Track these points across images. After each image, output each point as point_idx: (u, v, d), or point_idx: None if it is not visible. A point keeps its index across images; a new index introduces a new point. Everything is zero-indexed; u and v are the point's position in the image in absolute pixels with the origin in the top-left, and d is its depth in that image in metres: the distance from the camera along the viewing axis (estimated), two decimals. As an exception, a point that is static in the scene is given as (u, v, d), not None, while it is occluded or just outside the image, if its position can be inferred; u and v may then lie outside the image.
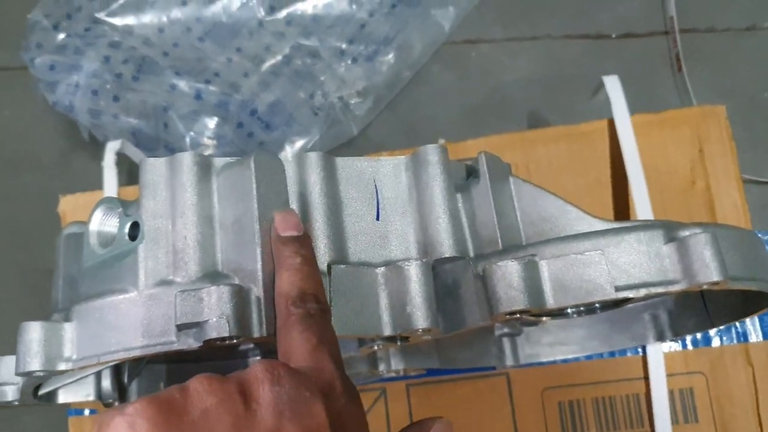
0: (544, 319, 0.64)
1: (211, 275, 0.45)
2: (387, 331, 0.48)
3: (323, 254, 0.48)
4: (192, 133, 0.81)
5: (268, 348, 0.69)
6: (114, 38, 0.87)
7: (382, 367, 0.62)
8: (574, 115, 0.88)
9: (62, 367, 0.45)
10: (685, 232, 0.47)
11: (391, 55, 0.94)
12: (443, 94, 0.99)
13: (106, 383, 0.60)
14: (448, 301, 0.50)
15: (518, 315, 0.46)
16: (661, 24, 1.00)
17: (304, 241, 0.44)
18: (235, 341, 0.42)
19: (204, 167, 0.48)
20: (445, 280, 0.50)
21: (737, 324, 0.71)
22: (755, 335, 0.70)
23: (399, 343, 0.51)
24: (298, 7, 0.96)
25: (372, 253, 0.50)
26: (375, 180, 0.52)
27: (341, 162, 0.52)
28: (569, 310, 0.65)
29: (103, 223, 0.50)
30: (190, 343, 0.43)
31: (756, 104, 0.97)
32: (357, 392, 0.39)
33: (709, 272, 0.44)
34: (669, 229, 0.47)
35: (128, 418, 0.32)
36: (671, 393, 0.70)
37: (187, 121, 0.81)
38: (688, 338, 0.71)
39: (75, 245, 0.53)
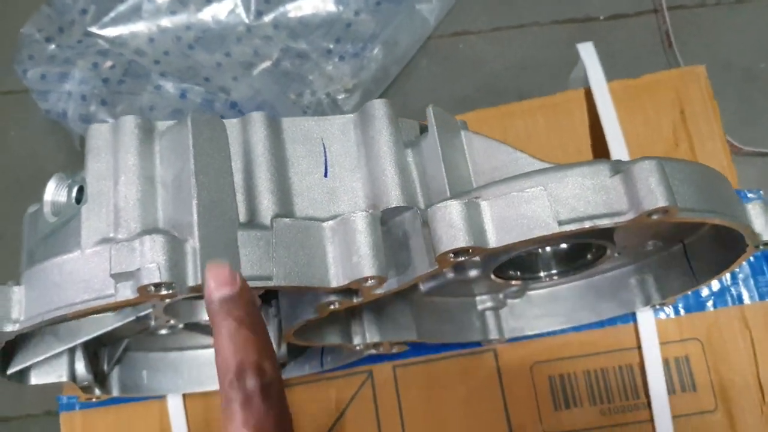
0: (520, 285, 0.62)
1: (151, 231, 0.45)
2: (334, 283, 0.47)
3: (267, 209, 0.48)
4: (176, 132, 0.82)
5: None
6: (104, 47, 0.90)
7: (357, 340, 0.61)
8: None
9: (9, 328, 0.45)
10: (632, 164, 0.45)
11: (377, 51, 0.95)
12: (433, 87, 0.99)
13: (80, 365, 0.60)
14: (400, 254, 0.49)
15: (463, 258, 0.45)
16: (650, 3, 0.98)
17: (238, 300, 0.40)
18: (170, 291, 0.42)
19: (146, 130, 0.49)
20: (396, 234, 0.50)
21: (731, 287, 0.68)
22: (750, 297, 0.68)
23: (355, 299, 0.50)
24: (284, 11, 0.97)
25: (320, 209, 0.50)
26: (323, 138, 0.52)
27: (287, 122, 0.52)
28: (541, 273, 0.64)
29: (55, 193, 0.51)
30: (128, 295, 0.43)
31: (753, 76, 0.94)
32: None
33: (654, 198, 0.43)
34: (616, 164, 0.46)
35: None
36: (666, 362, 0.67)
37: (170, 119, 0.82)
38: (681, 304, 0.68)
39: (36, 221, 0.54)
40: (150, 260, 0.42)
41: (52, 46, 0.90)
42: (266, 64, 0.95)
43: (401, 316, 0.63)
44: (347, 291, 0.49)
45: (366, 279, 0.47)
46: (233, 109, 0.85)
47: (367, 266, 0.46)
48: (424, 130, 0.55)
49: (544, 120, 0.74)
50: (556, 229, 0.44)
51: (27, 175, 1.06)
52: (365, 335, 0.61)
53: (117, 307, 0.45)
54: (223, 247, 0.44)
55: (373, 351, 0.64)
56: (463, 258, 0.45)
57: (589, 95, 0.73)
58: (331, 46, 0.96)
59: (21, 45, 0.90)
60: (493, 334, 0.68)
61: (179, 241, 0.43)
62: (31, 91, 0.90)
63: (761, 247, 0.53)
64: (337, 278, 0.47)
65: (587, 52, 0.73)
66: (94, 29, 0.93)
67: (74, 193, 0.48)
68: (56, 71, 0.87)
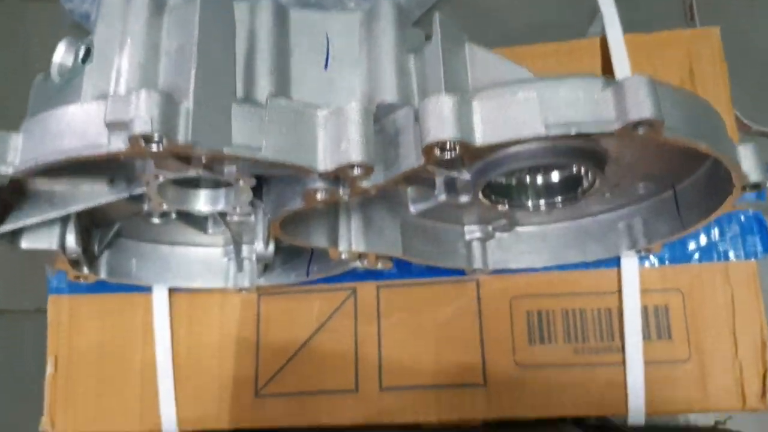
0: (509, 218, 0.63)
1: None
2: (321, 167, 0.48)
3: (263, 89, 0.49)
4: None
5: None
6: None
7: (343, 246, 0.62)
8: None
9: (3, 170, 0.47)
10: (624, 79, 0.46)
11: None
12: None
13: (71, 237, 0.61)
14: (389, 151, 0.50)
15: (449, 155, 0.46)
16: (677, -26, 0.99)
17: None
18: (161, 146, 0.44)
19: (158, 4, 0.50)
20: (389, 132, 0.51)
21: (718, 243, 0.68)
22: (736, 255, 0.68)
23: (341, 190, 0.51)
24: None
25: (316, 98, 0.51)
26: (327, 32, 0.53)
27: (295, 13, 0.53)
28: (528, 202, 0.64)
29: (64, 56, 0.52)
30: (119, 146, 0.44)
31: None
32: None
33: (640, 109, 0.43)
34: (610, 79, 0.47)
35: None
36: (645, 309, 0.68)
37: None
38: (667, 255, 0.69)
39: (44, 86, 0.55)
40: (143, 112, 0.43)
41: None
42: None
43: (388, 230, 0.64)
44: (335, 180, 0.50)
45: (353, 166, 0.48)
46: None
47: (354, 152, 0.47)
48: (428, 38, 0.56)
49: (556, 64, 0.75)
50: (542, 132, 0.45)
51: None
52: (351, 242, 0.62)
53: (109, 159, 0.46)
54: (216, 113, 0.45)
55: (358, 264, 0.65)
56: (449, 155, 0.46)
57: (603, 45, 0.74)
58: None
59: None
60: (478, 264, 0.69)
61: (174, 99, 0.44)
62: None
63: (747, 190, 0.54)
64: (324, 163, 0.49)
65: (606, 2, 0.73)
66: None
67: (81, 53, 0.50)
68: (82, -28, 0.89)
